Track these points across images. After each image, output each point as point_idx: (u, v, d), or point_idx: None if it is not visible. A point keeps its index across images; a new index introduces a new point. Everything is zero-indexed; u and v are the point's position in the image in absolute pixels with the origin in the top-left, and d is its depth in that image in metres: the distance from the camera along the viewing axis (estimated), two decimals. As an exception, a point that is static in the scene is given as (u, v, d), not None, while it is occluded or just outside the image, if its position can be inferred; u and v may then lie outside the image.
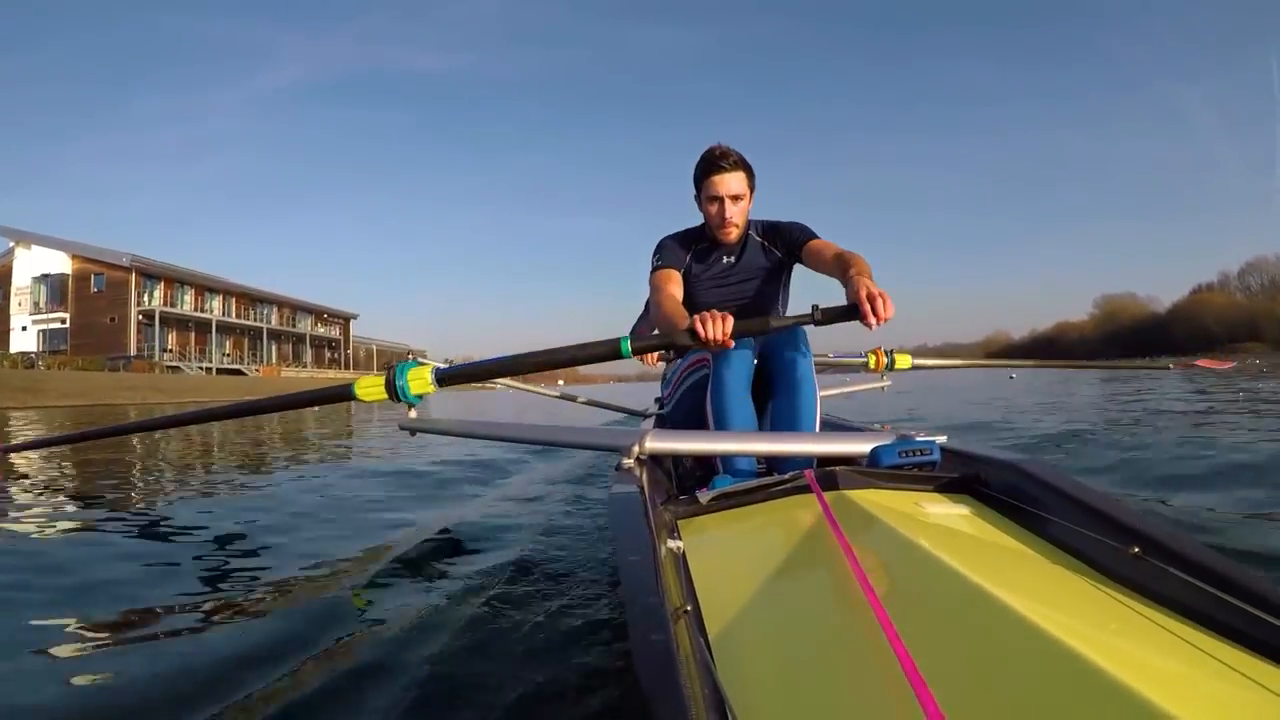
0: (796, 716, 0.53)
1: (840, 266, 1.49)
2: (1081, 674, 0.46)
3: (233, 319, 35.99)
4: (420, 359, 1.80)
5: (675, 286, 1.64)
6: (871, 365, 2.86)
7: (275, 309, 40.23)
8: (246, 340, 37.09)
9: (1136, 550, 0.69)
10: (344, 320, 47.83)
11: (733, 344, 1.31)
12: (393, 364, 1.68)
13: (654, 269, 1.70)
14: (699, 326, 1.29)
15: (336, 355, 45.76)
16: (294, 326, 40.76)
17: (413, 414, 1.75)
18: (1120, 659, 0.47)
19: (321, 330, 44.52)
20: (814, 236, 1.69)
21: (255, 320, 36.95)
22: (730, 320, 1.29)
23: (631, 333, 1.83)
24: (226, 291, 36.64)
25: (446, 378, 1.66)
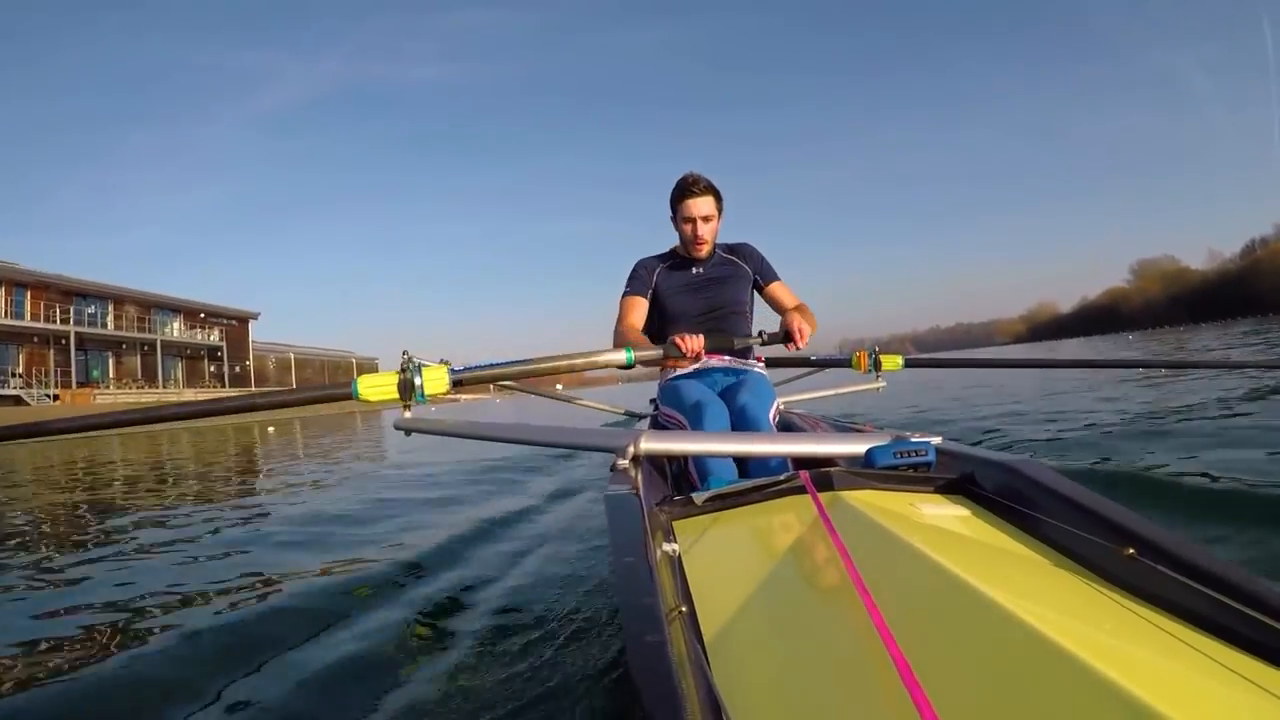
0: (791, 717, 0.56)
1: (785, 309, 2.03)
2: (1076, 674, 0.48)
3: (24, 322, 22.44)
4: (411, 359, 1.74)
5: (637, 315, 2.05)
6: (855, 365, 3.02)
7: (110, 307, 26.84)
8: (53, 353, 23.44)
9: (1131, 551, 0.71)
10: (236, 321, 34.46)
11: (704, 354, 1.70)
12: (407, 363, 1.70)
13: (624, 294, 2.09)
14: (679, 341, 1.68)
15: (221, 370, 31.72)
16: (145, 331, 27.20)
17: (409, 414, 1.77)
18: (1115, 659, 0.49)
19: (193, 336, 30.61)
20: (777, 279, 2.13)
21: (63, 323, 23.34)
22: (701, 338, 1.70)
23: (614, 334, 2.05)
24: (15, 282, 23.12)
25: (464, 379, 1.74)
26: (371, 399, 1.70)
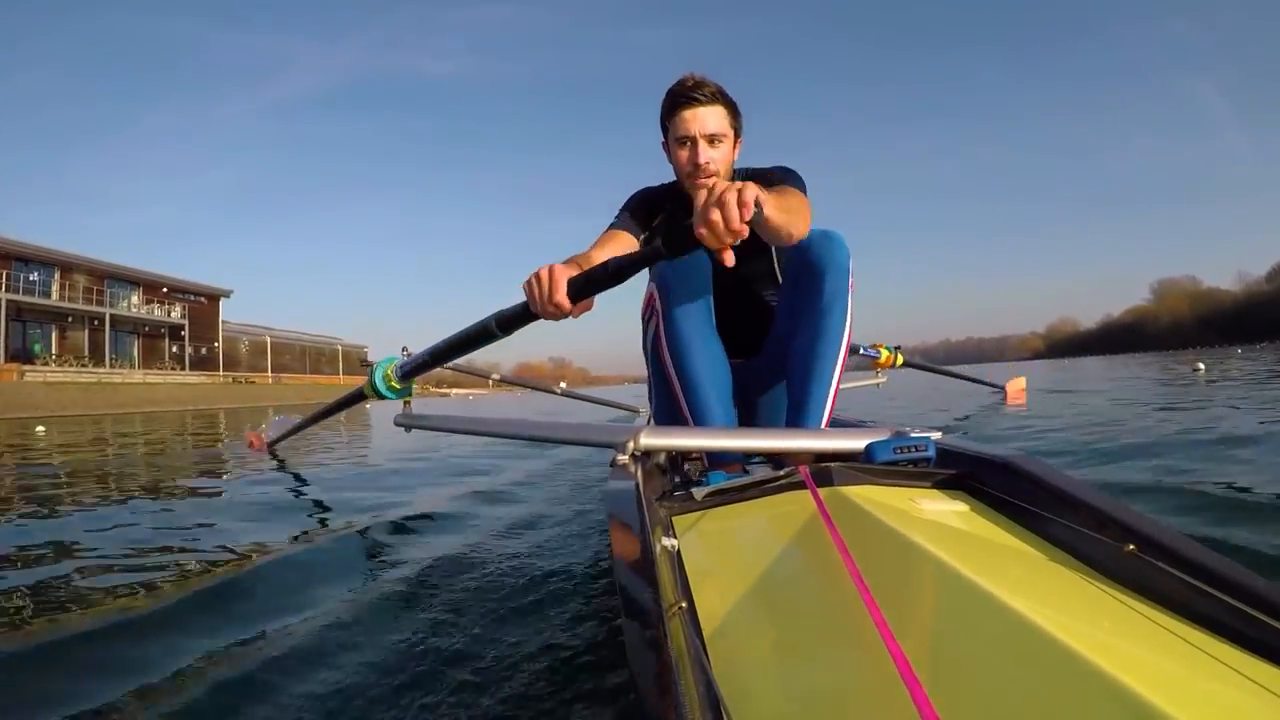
0: (791, 713, 0.58)
1: None
2: (1076, 671, 0.49)
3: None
4: (411, 354, 1.79)
5: (609, 249, 1.41)
6: (883, 360, 3.13)
7: (56, 274, 24.02)
8: (-17, 323, 20.96)
9: (1132, 547, 0.72)
10: (205, 298, 31.48)
11: (569, 306, 1.10)
12: (374, 363, 1.79)
13: (608, 226, 1.54)
14: (532, 284, 1.11)
15: (181, 350, 28.85)
16: (95, 303, 24.41)
17: (408, 410, 1.83)
18: (1115, 656, 0.50)
19: (151, 312, 27.71)
20: (799, 186, 1.39)
21: (-2, 290, 20.87)
22: (563, 274, 1.09)
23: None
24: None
25: (410, 369, 1.74)
26: (374, 398, 1.88)
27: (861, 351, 3.55)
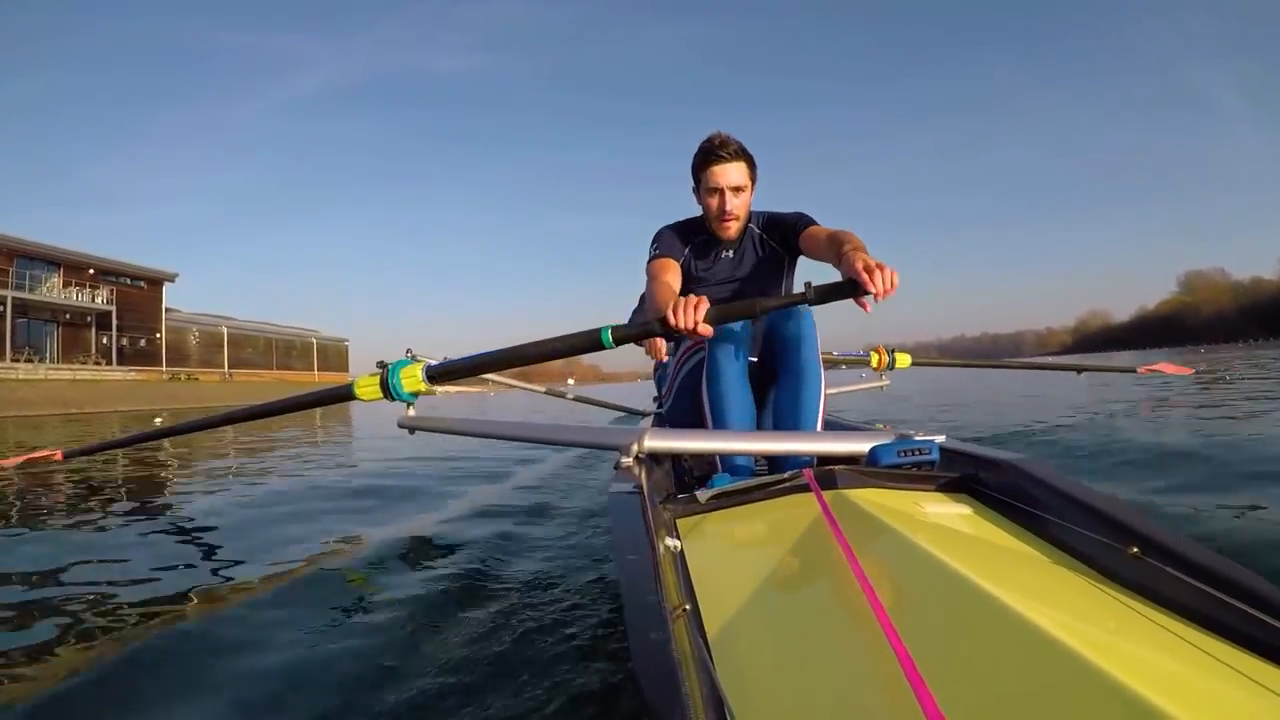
0: (795, 715, 0.59)
1: (833, 246, 1.53)
2: (1080, 673, 0.51)
3: None
4: (415, 356, 1.79)
5: (673, 276, 1.69)
6: (873, 363, 3.05)
7: None
8: None
9: (1135, 550, 0.74)
10: (144, 282, 27.37)
11: (710, 332, 1.34)
12: (387, 363, 1.73)
13: (651, 258, 1.77)
14: (670, 315, 1.34)
15: (108, 340, 24.49)
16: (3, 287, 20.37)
17: (411, 412, 1.82)
18: (1119, 659, 0.51)
19: (71, 296, 23.38)
20: (812, 223, 1.74)
21: None
22: (704, 305, 1.33)
23: (647, 298, 1.83)
24: None
25: (438, 374, 1.74)
26: (366, 399, 1.78)
27: (837, 354, 3.30)
